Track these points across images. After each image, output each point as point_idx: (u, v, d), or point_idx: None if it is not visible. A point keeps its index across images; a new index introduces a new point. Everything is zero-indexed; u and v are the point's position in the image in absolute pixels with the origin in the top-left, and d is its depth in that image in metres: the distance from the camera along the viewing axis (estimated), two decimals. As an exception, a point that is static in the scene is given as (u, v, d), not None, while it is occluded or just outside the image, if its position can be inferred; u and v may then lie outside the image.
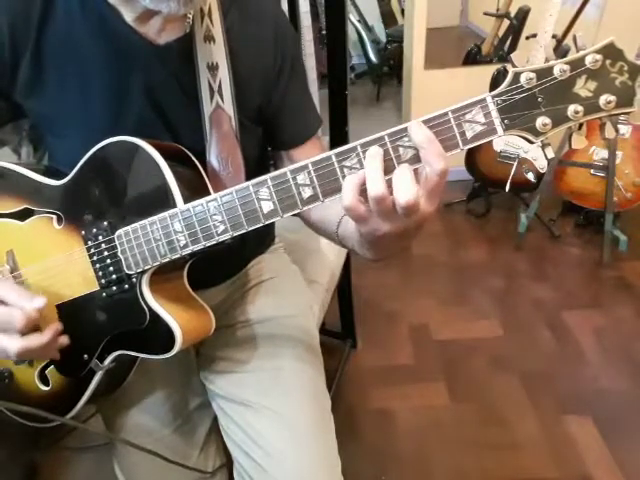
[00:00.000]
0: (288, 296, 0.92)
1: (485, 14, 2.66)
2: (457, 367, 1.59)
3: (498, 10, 2.59)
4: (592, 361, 1.58)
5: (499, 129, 0.48)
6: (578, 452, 1.31)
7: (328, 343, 1.55)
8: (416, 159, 0.49)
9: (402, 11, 3.79)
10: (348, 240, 0.63)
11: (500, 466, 1.29)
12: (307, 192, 0.52)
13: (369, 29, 3.88)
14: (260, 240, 0.97)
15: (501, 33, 2.62)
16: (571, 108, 0.47)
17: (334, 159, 0.50)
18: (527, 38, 2.20)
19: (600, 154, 1.95)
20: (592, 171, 1.98)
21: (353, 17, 3.77)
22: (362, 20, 3.85)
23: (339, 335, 1.65)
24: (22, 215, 0.67)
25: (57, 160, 0.74)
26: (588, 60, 0.47)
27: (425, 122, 0.48)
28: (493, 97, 0.48)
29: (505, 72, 2.08)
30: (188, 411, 0.82)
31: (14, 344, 0.58)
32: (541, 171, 2.03)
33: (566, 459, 1.30)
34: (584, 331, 1.69)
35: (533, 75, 0.47)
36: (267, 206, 0.53)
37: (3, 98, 0.68)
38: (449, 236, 2.25)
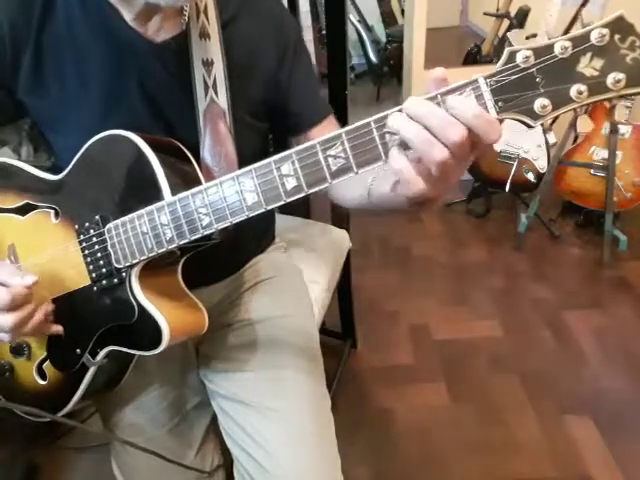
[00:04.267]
0: (288, 295, 0.92)
1: (485, 14, 2.66)
2: (457, 367, 1.59)
3: (498, 10, 2.59)
4: (592, 361, 1.58)
5: (492, 111, 0.45)
6: (578, 452, 1.31)
7: (328, 343, 1.55)
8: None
9: (402, 11, 3.78)
10: (385, 204, 0.61)
11: (500, 466, 1.29)
12: (291, 183, 0.50)
13: (369, 29, 3.87)
14: (259, 239, 0.97)
15: (501, 33, 2.62)
16: (574, 88, 0.43)
17: (318, 148, 0.49)
18: (527, 38, 2.20)
19: (600, 154, 1.95)
20: (592, 171, 1.98)
21: (353, 17, 3.77)
22: (362, 20, 3.84)
23: (339, 335, 1.64)
24: (23, 210, 0.68)
25: (60, 157, 0.74)
26: (594, 36, 0.42)
27: None
28: (486, 78, 0.45)
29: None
30: (185, 410, 0.82)
31: (4, 319, 0.59)
32: (541, 171, 2.03)
33: (566, 459, 1.30)
34: (584, 331, 1.69)
35: (530, 53, 0.44)
36: (251, 198, 0.52)
37: (8, 95, 0.68)
38: (449, 236, 2.25)
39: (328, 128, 0.80)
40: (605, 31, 0.42)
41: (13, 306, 0.58)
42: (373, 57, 3.88)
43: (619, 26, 0.42)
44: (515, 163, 2.05)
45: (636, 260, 1.98)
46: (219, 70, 0.68)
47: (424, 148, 0.45)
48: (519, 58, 0.44)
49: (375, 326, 1.76)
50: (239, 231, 0.60)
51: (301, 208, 1.36)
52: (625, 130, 1.92)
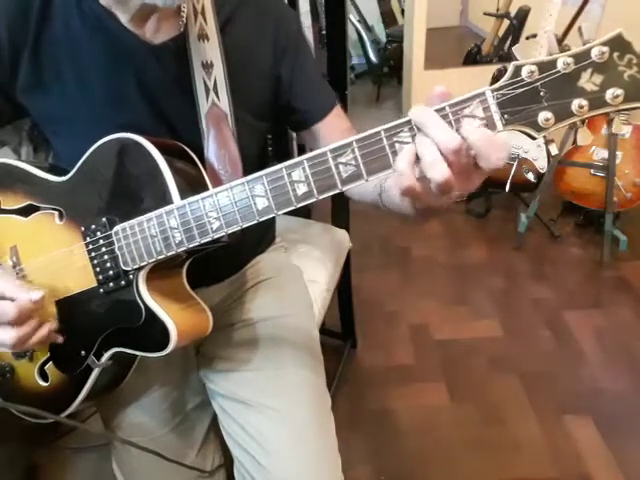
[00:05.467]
0: (289, 295, 0.92)
1: (485, 14, 2.67)
2: (457, 367, 1.59)
3: (498, 10, 2.59)
4: (592, 361, 1.58)
5: (498, 124, 0.47)
6: (578, 452, 1.31)
7: (328, 343, 1.55)
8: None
9: (402, 11, 3.78)
10: (394, 208, 0.62)
11: (500, 466, 1.29)
12: (302, 189, 0.51)
13: (369, 29, 3.88)
14: (260, 239, 0.97)
15: (501, 33, 2.63)
16: (575, 103, 0.45)
17: (329, 155, 0.50)
18: (527, 38, 2.20)
19: (600, 154, 1.95)
20: (592, 171, 1.98)
21: (353, 17, 3.77)
22: (362, 20, 3.84)
23: (339, 335, 1.64)
24: (26, 211, 0.68)
25: (61, 158, 0.74)
26: (594, 53, 0.45)
27: None
28: (493, 91, 0.47)
29: (506, 71, 2.08)
30: (186, 410, 0.82)
31: (9, 335, 0.58)
32: (541, 171, 2.03)
33: (566, 459, 1.30)
34: (584, 331, 1.69)
35: (535, 68, 0.46)
36: (261, 203, 0.53)
37: (6, 98, 0.68)
38: (449, 236, 2.25)
39: (334, 121, 0.80)
40: (605, 49, 0.44)
41: (18, 321, 0.58)
42: (373, 57, 3.88)
43: (618, 44, 0.45)
44: (515, 163, 2.05)
45: (636, 260, 1.98)
46: (219, 72, 0.67)
47: (428, 163, 0.46)
48: (524, 72, 0.46)
49: (375, 326, 1.76)
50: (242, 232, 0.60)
51: (302, 208, 1.36)
52: (625, 130, 1.92)
